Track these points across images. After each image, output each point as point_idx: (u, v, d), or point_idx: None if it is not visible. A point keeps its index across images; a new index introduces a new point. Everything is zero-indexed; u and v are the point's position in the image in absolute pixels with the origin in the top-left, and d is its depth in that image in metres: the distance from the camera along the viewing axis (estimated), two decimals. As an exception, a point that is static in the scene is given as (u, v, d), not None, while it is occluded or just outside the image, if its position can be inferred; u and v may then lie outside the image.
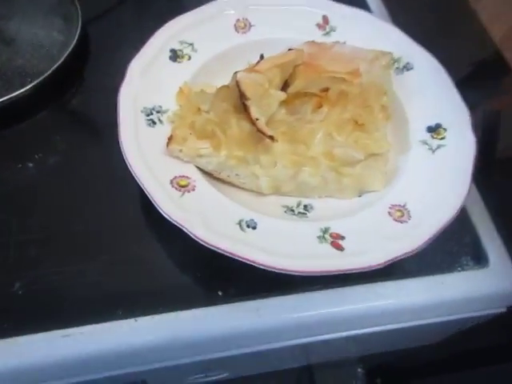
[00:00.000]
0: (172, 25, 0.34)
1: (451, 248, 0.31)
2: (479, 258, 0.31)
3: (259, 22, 0.37)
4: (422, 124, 0.33)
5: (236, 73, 0.30)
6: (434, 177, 0.30)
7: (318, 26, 0.38)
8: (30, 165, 0.32)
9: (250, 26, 0.37)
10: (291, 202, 0.31)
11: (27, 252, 0.28)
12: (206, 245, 0.25)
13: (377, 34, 0.37)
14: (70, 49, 0.36)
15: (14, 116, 0.34)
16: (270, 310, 0.27)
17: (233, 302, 0.27)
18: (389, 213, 0.28)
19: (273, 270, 0.24)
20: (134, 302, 0.27)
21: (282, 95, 0.30)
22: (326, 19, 0.38)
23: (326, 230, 0.27)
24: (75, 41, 0.37)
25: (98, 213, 0.30)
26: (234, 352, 0.29)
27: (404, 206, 0.29)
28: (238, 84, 0.29)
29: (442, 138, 0.32)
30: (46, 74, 0.35)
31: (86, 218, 0.30)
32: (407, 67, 0.36)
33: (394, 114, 0.33)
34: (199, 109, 0.30)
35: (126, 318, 0.26)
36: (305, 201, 0.31)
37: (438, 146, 0.31)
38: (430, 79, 0.34)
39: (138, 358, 0.27)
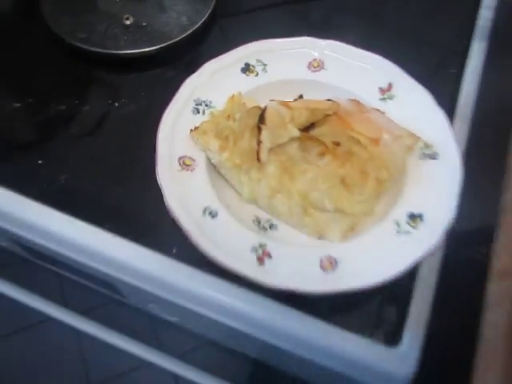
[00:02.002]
0: (257, 44, 0.42)
1: (376, 313, 0.34)
2: (392, 337, 0.33)
3: (332, 67, 0.42)
4: (408, 208, 0.35)
5: (271, 100, 0.37)
6: (382, 246, 0.33)
7: (381, 89, 0.41)
8: (116, 104, 0.43)
9: (322, 68, 0.42)
10: (264, 216, 0.37)
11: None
12: (171, 211, 0.33)
13: (425, 119, 0.39)
14: (198, 24, 0.46)
15: (136, 67, 0.46)
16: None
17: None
18: (321, 259, 0.33)
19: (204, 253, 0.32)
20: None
21: (295, 132, 0.36)
22: (390, 86, 0.41)
23: (261, 246, 0.33)
24: (206, 17, 0.47)
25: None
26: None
27: (336, 262, 0.33)
28: (264, 109, 0.36)
29: (413, 227, 0.34)
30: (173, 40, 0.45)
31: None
32: (432, 156, 0.38)
33: (392, 190, 0.36)
34: (229, 116, 0.37)
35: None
36: (274, 220, 0.37)
37: (406, 232, 0.34)
38: (442, 175, 0.36)
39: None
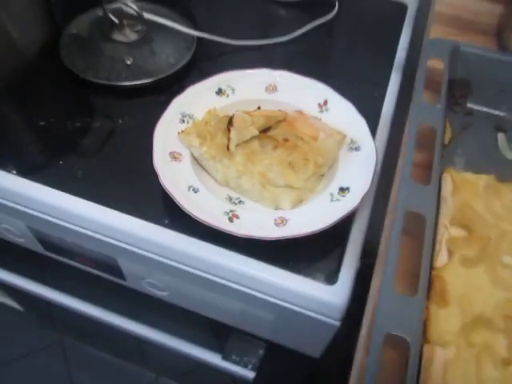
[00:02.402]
0: (228, 73, 0.56)
1: (319, 261, 0.46)
2: (331, 277, 0.45)
3: (283, 90, 0.56)
4: (338, 184, 0.48)
5: (237, 111, 0.51)
6: (319, 209, 0.46)
7: (319, 104, 0.55)
8: (120, 121, 0.56)
9: (276, 90, 0.56)
10: (234, 195, 0.49)
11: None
12: (164, 187, 0.45)
13: (351, 124, 0.53)
14: (183, 63, 0.61)
15: (135, 94, 0.59)
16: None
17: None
18: (275, 219, 0.45)
19: (190, 214, 0.44)
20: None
21: (255, 132, 0.49)
22: (325, 102, 0.55)
23: (232, 211, 0.45)
24: (189, 58, 0.62)
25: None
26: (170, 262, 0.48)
27: (286, 220, 0.45)
28: (232, 116, 0.50)
29: (343, 196, 0.47)
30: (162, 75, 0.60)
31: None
32: (357, 149, 0.51)
33: (328, 174, 0.50)
34: (207, 123, 0.51)
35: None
36: (243, 198, 0.49)
37: (337, 199, 0.47)
38: (363, 161, 0.49)
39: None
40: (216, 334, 0.64)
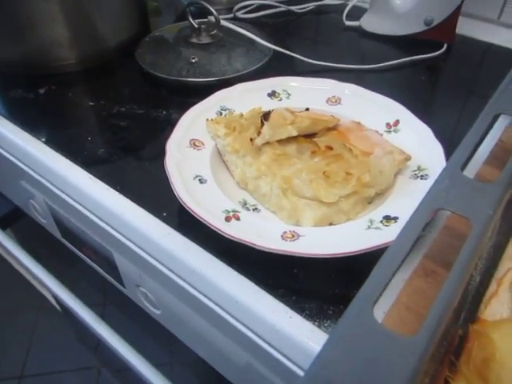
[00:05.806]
0: (286, 78, 0.49)
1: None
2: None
3: (347, 104, 0.47)
4: (385, 211, 0.36)
5: (280, 108, 0.43)
6: (348, 234, 0.33)
7: (388, 124, 0.45)
8: (164, 112, 0.52)
9: (339, 103, 0.47)
10: (250, 201, 0.40)
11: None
12: (166, 167, 0.38)
13: (424, 151, 0.41)
14: (248, 70, 0.56)
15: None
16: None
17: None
18: (284, 231, 0.34)
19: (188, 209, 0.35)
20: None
21: (293, 132, 0.40)
22: (396, 122, 0.44)
23: (234, 211, 0.35)
24: (256, 67, 0.57)
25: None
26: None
27: (298, 235, 0.34)
28: (271, 110, 0.42)
29: (386, 225, 0.34)
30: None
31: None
32: (423, 177, 0.38)
33: (378, 200, 0.38)
34: (242, 115, 0.43)
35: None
36: (260, 206, 0.39)
37: (376, 227, 0.34)
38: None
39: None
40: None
